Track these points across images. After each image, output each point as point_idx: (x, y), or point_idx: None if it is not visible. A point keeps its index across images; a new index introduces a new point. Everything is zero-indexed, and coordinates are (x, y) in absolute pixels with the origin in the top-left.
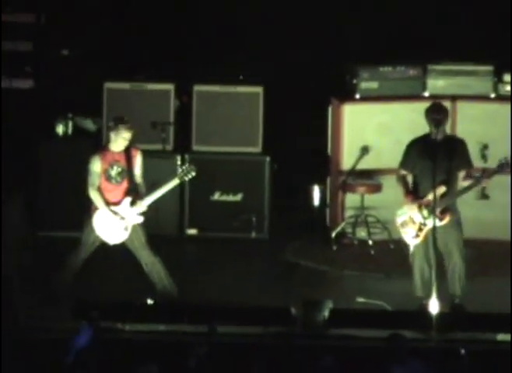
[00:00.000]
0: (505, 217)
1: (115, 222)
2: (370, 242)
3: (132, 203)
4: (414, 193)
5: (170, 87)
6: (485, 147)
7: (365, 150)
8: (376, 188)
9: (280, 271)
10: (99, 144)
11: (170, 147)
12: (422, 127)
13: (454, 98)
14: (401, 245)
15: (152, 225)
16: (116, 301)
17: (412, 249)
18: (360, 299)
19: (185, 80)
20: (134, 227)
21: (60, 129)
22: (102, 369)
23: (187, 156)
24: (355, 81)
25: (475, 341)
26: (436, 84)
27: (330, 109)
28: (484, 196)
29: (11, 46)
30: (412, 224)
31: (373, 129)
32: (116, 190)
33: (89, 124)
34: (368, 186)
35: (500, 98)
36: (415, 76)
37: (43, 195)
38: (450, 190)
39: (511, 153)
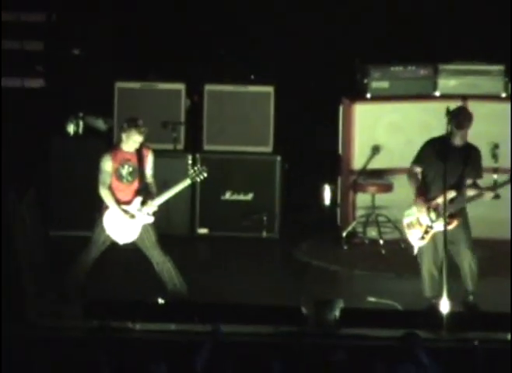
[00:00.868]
0: None
1: (125, 221)
2: (381, 242)
3: (143, 203)
4: (425, 195)
5: (180, 86)
6: (495, 146)
7: (376, 149)
8: (387, 188)
9: (291, 271)
10: (109, 144)
11: (181, 146)
12: (433, 127)
13: (464, 97)
14: (412, 244)
15: (163, 225)
16: (126, 301)
17: (416, 250)
18: (371, 299)
19: (196, 79)
20: (144, 226)
21: (71, 128)
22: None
23: (198, 156)
24: (366, 80)
25: (487, 340)
26: (447, 83)
27: (341, 109)
28: (495, 196)
29: (21, 45)
30: (418, 225)
31: (383, 128)
32: (127, 190)
33: (99, 124)
34: (379, 186)
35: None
36: (426, 76)
37: (54, 194)
38: (459, 196)
39: None
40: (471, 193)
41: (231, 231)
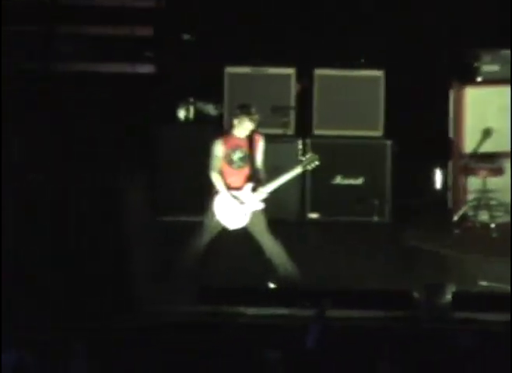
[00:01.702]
0: None
1: (235, 207)
2: (492, 225)
3: (254, 189)
4: None
5: (290, 71)
6: None
7: (486, 133)
8: (498, 171)
9: (401, 255)
10: (220, 129)
11: (290, 131)
12: None
13: None
14: None
15: (274, 209)
16: (238, 286)
17: None
18: (483, 283)
19: (306, 64)
20: (255, 212)
21: (181, 114)
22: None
23: (308, 140)
24: (476, 64)
25: None
26: None
27: (451, 92)
28: None
29: (131, 31)
30: None
31: (494, 112)
32: (237, 175)
33: (210, 109)
34: (490, 169)
35: None
36: None
37: (164, 180)
38: None
39: None
40: None
41: (342, 215)
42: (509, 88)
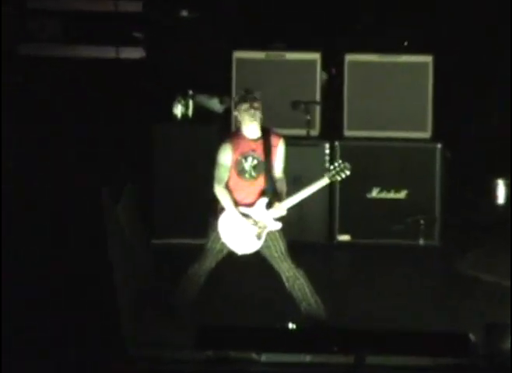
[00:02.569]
0: None
1: (246, 228)
2: None
3: (269, 205)
4: None
5: (315, 56)
6: None
7: None
8: None
9: (455, 287)
10: (227, 129)
11: (315, 132)
12: None
13: None
14: None
15: (295, 230)
16: (249, 326)
17: None
18: None
19: (334, 47)
20: (271, 234)
21: (178, 110)
22: None
23: (337, 143)
24: None
25: None
26: None
27: None
28: None
29: (115, 6)
30: None
31: None
32: (250, 188)
33: (214, 104)
34: None
35: None
36: None
37: (158, 193)
38: None
39: None
40: None
41: (379, 237)
42: None
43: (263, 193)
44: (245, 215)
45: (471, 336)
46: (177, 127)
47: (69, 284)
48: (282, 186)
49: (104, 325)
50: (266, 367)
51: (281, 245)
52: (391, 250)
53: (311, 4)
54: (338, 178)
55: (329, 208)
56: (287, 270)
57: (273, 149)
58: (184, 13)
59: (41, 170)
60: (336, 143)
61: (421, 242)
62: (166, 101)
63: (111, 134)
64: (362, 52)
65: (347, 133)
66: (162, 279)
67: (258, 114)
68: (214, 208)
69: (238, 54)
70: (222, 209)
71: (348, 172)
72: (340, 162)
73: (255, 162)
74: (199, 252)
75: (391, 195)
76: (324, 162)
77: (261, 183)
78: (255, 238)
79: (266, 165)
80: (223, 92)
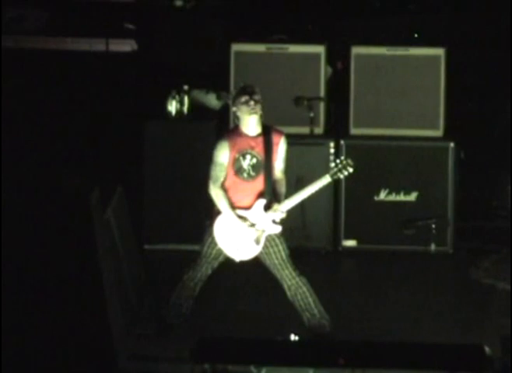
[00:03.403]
0: None
1: (243, 232)
2: None
3: (267, 207)
4: None
5: (319, 49)
6: None
7: None
8: None
9: (469, 296)
10: (224, 127)
11: (320, 130)
12: None
13: None
14: None
15: (298, 235)
16: (248, 338)
17: None
18: None
19: (340, 40)
20: (271, 238)
21: (172, 107)
22: None
23: (342, 142)
24: None
25: None
26: None
27: None
28: None
29: None
30: None
31: None
32: (248, 188)
33: (211, 100)
34: None
35: None
36: None
37: (151, 195)
38: None
39: None
40: None
41: (387, 243)
42: None
43: (261, 195)
44: (242, 218)
45: (487, 349)
46: (172, 124)
47: (56, 294)
48: (281, 188)
49: (94, 337)
50: None
51: (282, 252)
52: (400, 257)
53: None
54: (341, 176)
55: (334, 212)
56: (289, 279)
57: (274, 147)
58: (179, 3)
59: (23, 170)
60: (342, 142)
61: (432, 247)
62: (159, 97)
63: (100, 133)
64: (369, 44)
65: (353, 131)
66: (154, 287)
67: (258, 108)
68: (211, 211)
69: (237, 47)
70: (219, 212)
71: (351, 170)
72: (342, 158)
73: (254, 160)
74: (194, 258)
75: (401, 197)
76: (329, 161)
77: (259, 183)
78: (253, 242)
79: (266, 164)
80: (221, 87)
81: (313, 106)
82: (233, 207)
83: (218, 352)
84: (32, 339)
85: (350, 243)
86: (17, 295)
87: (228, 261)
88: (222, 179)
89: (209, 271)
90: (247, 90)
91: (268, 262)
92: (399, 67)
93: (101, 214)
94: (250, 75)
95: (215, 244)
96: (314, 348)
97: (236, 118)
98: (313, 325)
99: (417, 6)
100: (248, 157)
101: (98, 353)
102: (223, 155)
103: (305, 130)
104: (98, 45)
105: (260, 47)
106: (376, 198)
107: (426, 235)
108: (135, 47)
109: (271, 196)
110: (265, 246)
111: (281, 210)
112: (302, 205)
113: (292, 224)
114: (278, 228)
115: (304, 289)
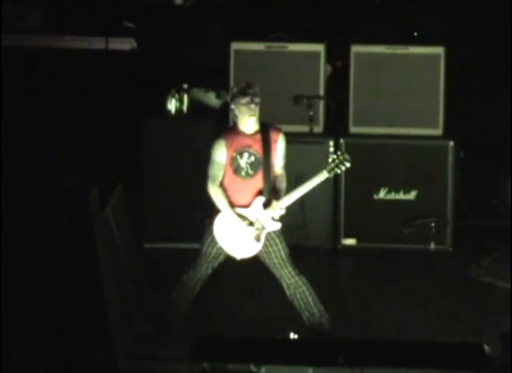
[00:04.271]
0: None
1: (243, 230)
2: None
3: (266, 205)
4: None
5: (319, 48)
6: None
7: None
8: None
9: (468, 295)
10: (224, 125)
11: (319, 128)
12: None
13: None
14: None
15: (297, 234)
16: (247, 337)
17: None
18: None
19: (339, 38)
20: (270, 237)
21: (172, 105)
22: None
23: (342, 141)
24: None
25: None
26: None
27: None
28: None
29: None
30: None
31: None
32: (246, 187)
33: (211, 99)
34: None
35: None
36: None
37: (150, 194)
38: None
39: None
40: None
41: (386, 241)
42: None
43: (260, 193)
44: (241, 216)
45: (486, 348)
46: (171, 123)
47: (56, 293)
48: (281, 184)
49: (94, 336)
50: None
51: (281, 251)
52: (399, 255)
53: None
54: (338, 171)
55: (333, 210)
56: (288, 278)
57: (272, 145)
58: (178, 1)
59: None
60: (341, 140)
61: (432, 246)
62: (159, 95)
63: (100, 131)
64: (369, 43)
65: (353, 129)
66: (154, 287)
67: (258, 109)
68: (211, 210)
69: (236, 46)
70: (219, 211)
71: (348, 165)
72: (339, 153)
73: (252, 158)
74: (194, 258)
75: (400, 196)
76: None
77: (258, 181)
78: (254, 240)
79: (264, 162)
80: (220, 85)
81: (312, 104)
82: (233, 205)
83: (217, 351)
84: (31, 338)
85: (350, 242)
86: (16, 295)
87: (228, 260)
88: (220, 178)
89: (209, 271)
90: (248, 92)
91: (267, 261)
92: (399, 66)
93: (101, 212)
94: (250, 74)
95: (216, 243)
96: (314, 347)
97: (234, 116)
98: (313, 323)
99: (417, 4)
100: (246, 155)
101: (98, 352)
102: (221, 153)
103: (304, 128)
104: (97, 43)
105: (259, 46)
106: (375, 197)
107: (426, 234)
108: (135, 45)
109: (271, 193)
110: (265, 245)
111: (280, 207)
112: (301, 203)
113: (291, 223)
114: (278, 225)
115: (304, 288)
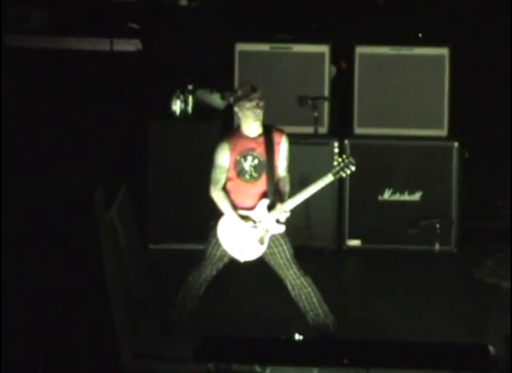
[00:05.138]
0: None
1: (247, 233)
2: None
3: (270, 207)
4: None
5: (323, 49)
6: None
7: None
8: None
9: (473, 295)
10: (229, 126)
11: (324, 129)
12: None
13: None
14: None
15: (302, 235)
16: (252, 338)
17: None
18: None
19: (344, 40)
20: (275, 238)
21: (176, 106)
22: None
23: (346, 142)
24: None
25: None
26: None
27: None
28: None
29: None
30: None
31: None
32: (250, 190)
33: (215, 100)
34: None
35: None
36: None
37: (155, 195)
38: None
39: None
40: None
41: (391, 242)
42: None
43: (265, 195)
44: (245, 218)
45: (491, 348)
46: (176, 124)
47: (60, 293)
48: (284, 186)
49: (98, 336)
50: None
51: (286, 252)
52: (404, 256)
53: None
54: (343, 174)
55: (338, 211)
56: (293, 278)
57: (276, 147)
58: (183, 2)
59: (26, 169)
60: (346, 141)
61: (437, 247)
62: (163, 96)
63: (105, 132)
64: (373, 44)
65: (357, 130)
66: (159, 287)
67: (262, 114)
68: (215, 211)
69: (241, 47)
70: (221, 213)
71: (353, 168)
72: (344, 157)
73: (256, 161)
74: (198, 259)
75: (405, 197)
76: (333, 161)
77: (262, 184)
78: (258, 243)
79: (268, 165)
80: (225, 87)
81: (317, 105)
82: (237, 208)
83: (222, 351)
84: (34, 338)
85: (354, 243)
86: (19, 295)
87: (232, 261)
88: (223, 182)
89: (214, 272)
90: (254, 97)
91: (272, 262)
92: (403, 67)
93: (105, 213)
94: (255, 75)
95: (220, 245)
96: (318, 347)
97: (238, 118)
98: (318, 324)
99: (421, 5)
100: (249, 158)
101: (101, 352)
102: (224, 157)
103: (309, 129)
104: (102, 45)
105: (264, 47)
106: (380, 198)
107: (430, 235)
108: (140, 46)
109: (275, 196)
110: (270, 246)
111: (284, 209)
112: (306, 204)
113: (296, 224)
114: (282, 228)
115: (309, 289)
